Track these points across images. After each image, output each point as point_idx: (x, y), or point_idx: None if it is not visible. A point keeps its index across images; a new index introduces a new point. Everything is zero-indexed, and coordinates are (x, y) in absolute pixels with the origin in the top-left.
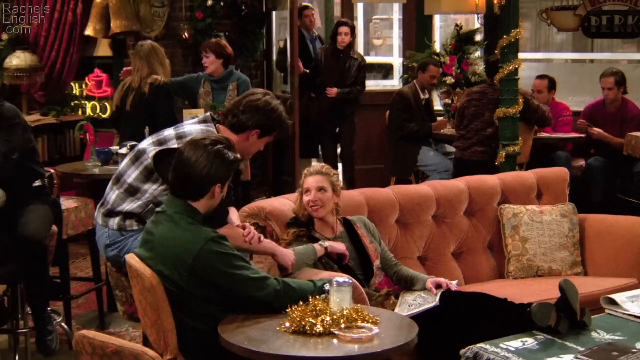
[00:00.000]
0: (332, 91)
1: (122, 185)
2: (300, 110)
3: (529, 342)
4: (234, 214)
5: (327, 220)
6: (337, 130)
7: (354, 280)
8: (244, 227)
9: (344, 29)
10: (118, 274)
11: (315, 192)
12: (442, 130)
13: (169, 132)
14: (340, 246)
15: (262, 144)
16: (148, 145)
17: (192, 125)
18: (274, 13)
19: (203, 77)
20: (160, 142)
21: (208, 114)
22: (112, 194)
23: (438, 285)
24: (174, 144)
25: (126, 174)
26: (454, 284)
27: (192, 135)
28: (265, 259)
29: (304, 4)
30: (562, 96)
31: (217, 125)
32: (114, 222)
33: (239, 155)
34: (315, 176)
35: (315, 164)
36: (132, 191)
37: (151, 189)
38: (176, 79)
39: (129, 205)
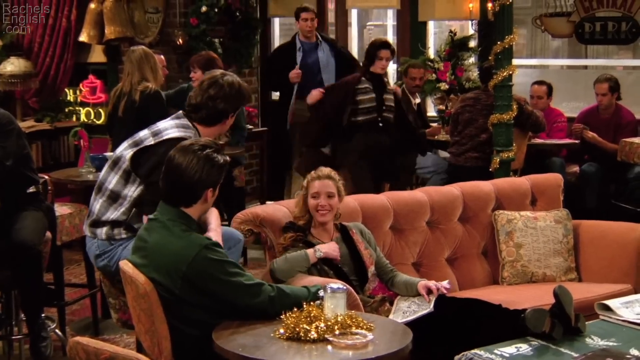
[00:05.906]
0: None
1: (104, 193)
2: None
3: (524, 348)
4: (212, 214)
5: (328, 226)
6: None
7: (348, 286)
8: None
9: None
10: (110, 283)
11: (324, 197)
12: (435, 137)
13: (144, 132)
14: (330, 246)
15: (232, 121)
16: (124, 149)
17: (166, 122)
18: (276, 19)
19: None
20: (136, 144)
21: (180, 111)
22: (96, 203)
23: (429, 291)
24: (150, 142)
25: (107, 181)
26: (445, 284)
27: (167, 131)
28: (260, 267)
29: (303, 5)
30: (556, 102)
31: (192, 121)
32: (102, 232)
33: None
34: (324, 181)
35: (322, 168)
36: (114, 197)
37: (130, 191)
38: (167, 92)
39: (114, 214)
